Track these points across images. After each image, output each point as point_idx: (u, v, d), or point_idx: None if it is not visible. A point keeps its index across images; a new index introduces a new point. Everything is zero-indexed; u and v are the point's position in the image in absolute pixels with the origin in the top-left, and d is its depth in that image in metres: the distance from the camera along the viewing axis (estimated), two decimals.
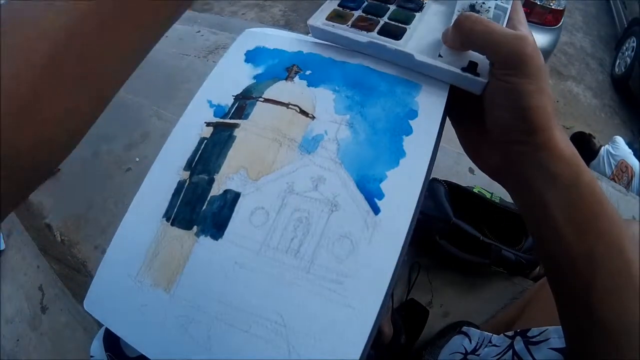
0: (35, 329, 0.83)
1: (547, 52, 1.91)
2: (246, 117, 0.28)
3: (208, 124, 0.28)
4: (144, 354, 0.23)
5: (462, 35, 0.25)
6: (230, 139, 0.27)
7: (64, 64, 0.18)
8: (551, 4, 1.95)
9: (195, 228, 0.25)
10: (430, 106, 0.27)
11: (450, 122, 0.31)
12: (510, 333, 0.43)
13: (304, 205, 0.24)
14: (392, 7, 0.31)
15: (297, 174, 0.25)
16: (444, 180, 0.76)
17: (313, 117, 0.27)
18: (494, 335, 0.46)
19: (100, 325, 0.24)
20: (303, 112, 0.27)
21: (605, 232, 0.24)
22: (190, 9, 0.24)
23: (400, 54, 0.27)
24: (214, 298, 0.23)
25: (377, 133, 0.26)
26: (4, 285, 0.90)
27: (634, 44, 2.45)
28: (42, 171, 0.20)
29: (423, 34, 0.29)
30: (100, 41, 0.19)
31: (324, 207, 0.24)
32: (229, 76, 0.31)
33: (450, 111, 0.29)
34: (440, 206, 0.71)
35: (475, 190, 0.79)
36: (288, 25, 2.62)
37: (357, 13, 0.30)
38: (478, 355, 0.46)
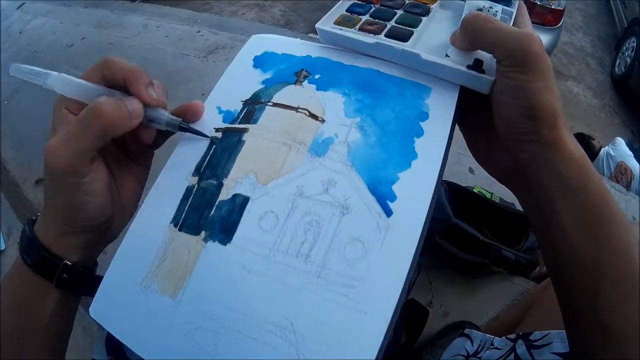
0: None
1: (547, 52, 1.90)
2: (255, 121, 0.28)
3: (217, 130, 0.28)
4: None
5: (470, 33, 0.26)
6: (240, 143, 0.27)
7: None
8: (551, 4, 1.95)
9: (203, 233, 0.24)
10: (440, 108, 0.27)
11: (458, 127, 0.30)
12: (512, 336, 0.43)
13: (315, 209, 0.24)
14: (399, 12, 0.31)
15: (307, 177, 0.25)
16: (444, 180, 0.76)
17: (323, 121, 0.27)
18: (495, 337, 0.46)
19: (100, 326, 0.24)
20: (312, 116, 0.27)
21: (613, 236, 0.23)
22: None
23: (407, 54, 0.28)
24: (222, 304, 0.22)
25: (388, 135, 0.26)
26: None
27: (634, 44, 2.45)
28: None
29: (430, 37, 0.30)
30: None
31: (335, 210, 0.23)
32: (238, 82, 0.31)
33: (460, 116, 0.28)
34: (440, 206, 0.71)
35: (475, 190, 0.79)
36: (288, 25, 2.62)
37: (365, 18, 0.31)
38: (479, 357, 0.46)
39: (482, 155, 0.30)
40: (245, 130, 0.27)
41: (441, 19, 0.32)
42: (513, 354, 0.41)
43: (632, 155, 1.45)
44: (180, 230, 0.25)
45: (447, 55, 0.27)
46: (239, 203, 0.25)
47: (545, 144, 0.24)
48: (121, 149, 0.29)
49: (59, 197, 0.25)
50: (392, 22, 0.30)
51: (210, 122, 0.29)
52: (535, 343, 0.40)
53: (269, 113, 0.28)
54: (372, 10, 0.32)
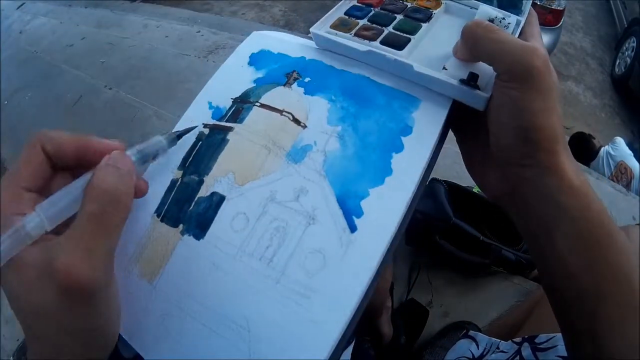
0: None
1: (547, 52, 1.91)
2: (241, 121, 0.28)
3: (205, 126, 0.28)
4: (126, 339, 0.24)
5: (470, 42, 0.24)
6: (224, 142, 0.27)
7: None
8: (551, 4, 1.95)
9: (181, 226, 0.25)
10: (427, 123, 0.26)
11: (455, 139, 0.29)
12: (517, 339, 0.43)
13: (283, 215, 0.24)
14: (399, 17, 0.30)
15: (280, 182, 0.25)
16: (444, 180, 0.76)
17: (305, 126, 0.27)
18: (502, 341, 0.46)
19: None
20: (295, 120, 0.27)
21: (613, 264, 0.22)
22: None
23: (399, 64, 0.26)
24: (190, 295, 0.23)
25: (367, 148, 0.25)
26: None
27: (634, 44, 2.45)
28: None
29: (429, 46, 0.28)
30: None
31: (302, 219, 0.24)
32: (231, 78, 0.31)
33: (454, 129, 0.27)
34: (440, 206, 0.71)
35: (475, 190, 0.79)
36: (288, 25, 2.62)
37: (362, 22, 0.30)
38: None
39: (477, 172, 0.29)
40: (230, 129, 0.27)
41: (443, 26, 0.30)
42: (518, 356, 0.41)
43: (632, 154, 1.45)
44: (162, 221, 0.26)
45: (444, 68, 0.26)
46: (216, 201, 0.25)
47: (542, 170, 0.23)
48: None
49: (78, 321, 0.19)
50: (390, 28, 0.29)
51: (200, 116, 0.29)
52: (541, 346, 0.40)
53: (255, 113, 0.28)
54: (370, 14, 0.30)
